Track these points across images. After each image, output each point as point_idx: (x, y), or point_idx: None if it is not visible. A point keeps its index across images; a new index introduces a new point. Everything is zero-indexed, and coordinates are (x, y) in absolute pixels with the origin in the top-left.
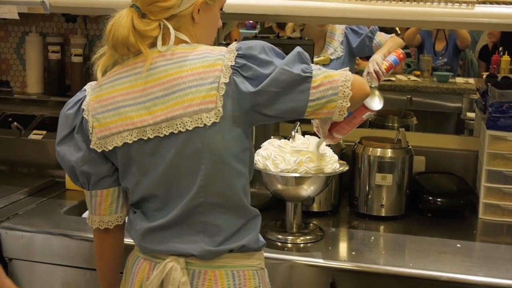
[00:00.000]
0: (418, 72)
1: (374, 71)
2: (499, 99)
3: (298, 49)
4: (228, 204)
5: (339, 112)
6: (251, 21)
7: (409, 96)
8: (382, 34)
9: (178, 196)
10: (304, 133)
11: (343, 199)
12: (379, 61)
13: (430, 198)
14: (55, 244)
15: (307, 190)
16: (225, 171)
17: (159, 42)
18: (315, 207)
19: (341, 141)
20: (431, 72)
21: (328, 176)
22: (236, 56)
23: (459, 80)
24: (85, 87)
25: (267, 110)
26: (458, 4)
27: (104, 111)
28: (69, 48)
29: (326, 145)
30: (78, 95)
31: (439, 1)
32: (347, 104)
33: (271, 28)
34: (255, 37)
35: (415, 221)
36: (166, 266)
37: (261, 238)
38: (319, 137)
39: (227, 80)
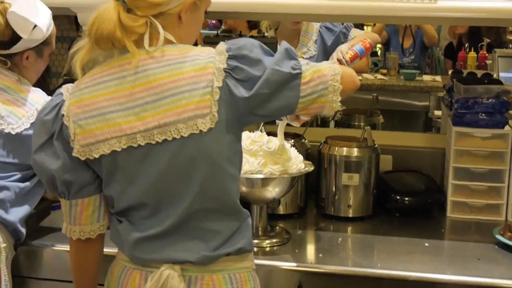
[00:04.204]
0: (385, 71)
1: (337, 60)
2: (464, 94)
3: (285, 45)
4: (223, 208)
5: (329, 106)
6: (213, 21)
7: (375, 95)
8: (357, 30)
9: (170, 203)
10: (268, 134)
11: (310, 200)
12: (343, 49)
13: (398, 197)
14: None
15: (272, 191)
16: (220, 176)
17: (146, 41)
18: (281, 210)
19: (306, 141)
20: (397, 70)
21: (294, 176)
22: (228, 58)
23: (426, 78)
24: (61, 90)
25: (259, 111)
26: None
27: (87, 117)
28: None
29: (291, 146)
30: (55, 100)
31: None
32: (337, 98)
33: (230, 31)
34: (216, 37)
35: (383, 221)
36: (162, 275)
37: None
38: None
39: (221, 84)
